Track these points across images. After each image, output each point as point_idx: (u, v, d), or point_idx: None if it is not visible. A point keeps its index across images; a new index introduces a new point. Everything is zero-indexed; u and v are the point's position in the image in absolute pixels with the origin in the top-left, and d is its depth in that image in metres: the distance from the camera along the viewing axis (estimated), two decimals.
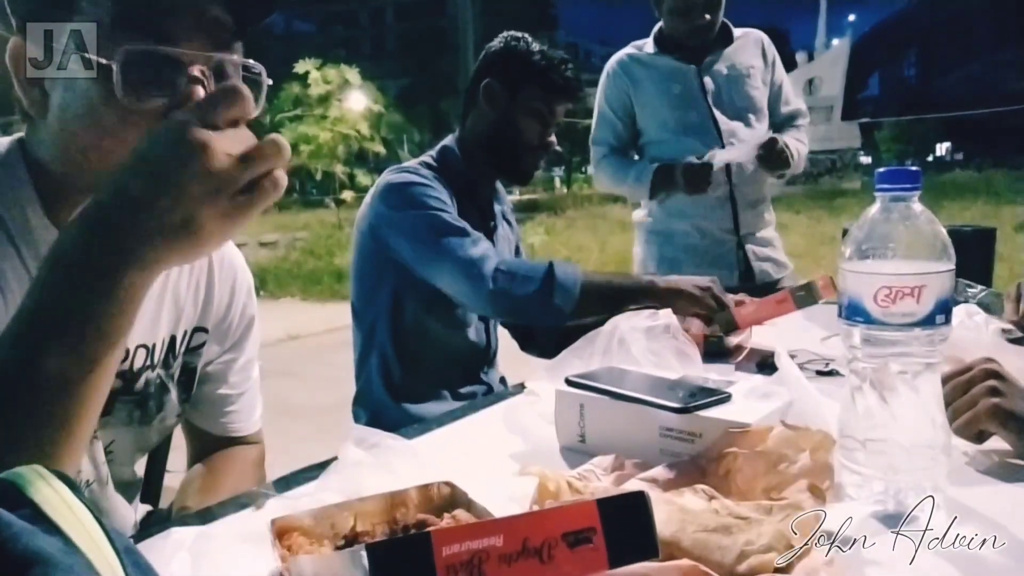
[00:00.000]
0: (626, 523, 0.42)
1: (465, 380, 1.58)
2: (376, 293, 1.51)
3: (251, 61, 0.70)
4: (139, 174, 0.55)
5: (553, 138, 1.55)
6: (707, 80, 2.10)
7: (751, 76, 2.13)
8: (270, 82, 0.73)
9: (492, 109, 1.51)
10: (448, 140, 1.59)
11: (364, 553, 0.37)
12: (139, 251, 0.54)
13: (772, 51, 2.20)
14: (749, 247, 2.13)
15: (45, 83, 0.68)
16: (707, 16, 2.03)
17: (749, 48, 2.16)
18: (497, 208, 1.64)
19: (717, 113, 2.08)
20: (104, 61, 0.63)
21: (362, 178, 17.99)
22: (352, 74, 16.70)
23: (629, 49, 2.20)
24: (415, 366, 1.51)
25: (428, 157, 1.57)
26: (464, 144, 1.56)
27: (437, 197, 1.43)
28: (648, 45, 2.17)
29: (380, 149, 18.83)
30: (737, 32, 2.16)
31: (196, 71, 0.65)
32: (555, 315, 1.34)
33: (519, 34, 1.55)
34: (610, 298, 1.33)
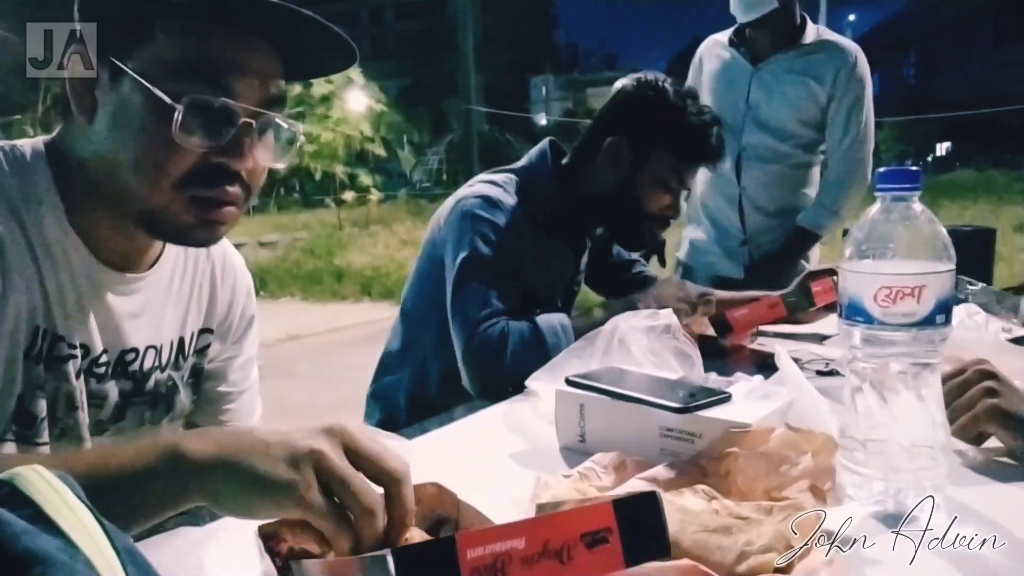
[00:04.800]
0: (640, 523, 0.43)
1: None
2: (429, 310, 1.37)
3: (291, 121, 0.77)
4: (244, 467, 0.52)
5: (682, 204, 1.37)
6: (755, 87, 2.03)
7: (802, 88, 1.98)
8: (303, 139, 0.80)
9: (614, 171, 1.34)
10: (541, 158, 1.40)
11: (390, 558, 0.37)
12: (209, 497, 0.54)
13: (850, 70, 1.95)
14: (752, 248, 2.13)
15: (96, 92, 0.70)
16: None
17: (816, 58, 1.98)
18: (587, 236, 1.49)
19: (748, 121, 2.05)
20: (169, 101, 0.67)
21: (363, 178, 18.01)
22: (354, 74, 16.71)
23: (722, 34, 2.14)
24: (452, 389, 1.31)
25: (513, 175, 1.39)
26: (571, 186, 1.38)
27: (500, 242, 1.27)
28: (728, 32, 2.12)
29: (381, 150, 18.84)
30: (812, 35, 1.98)
31: (245, 123, 0.71)
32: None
33: (658, 80, 1.34)
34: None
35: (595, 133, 1.38)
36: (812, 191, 2.11)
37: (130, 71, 0.68)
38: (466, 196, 1.33)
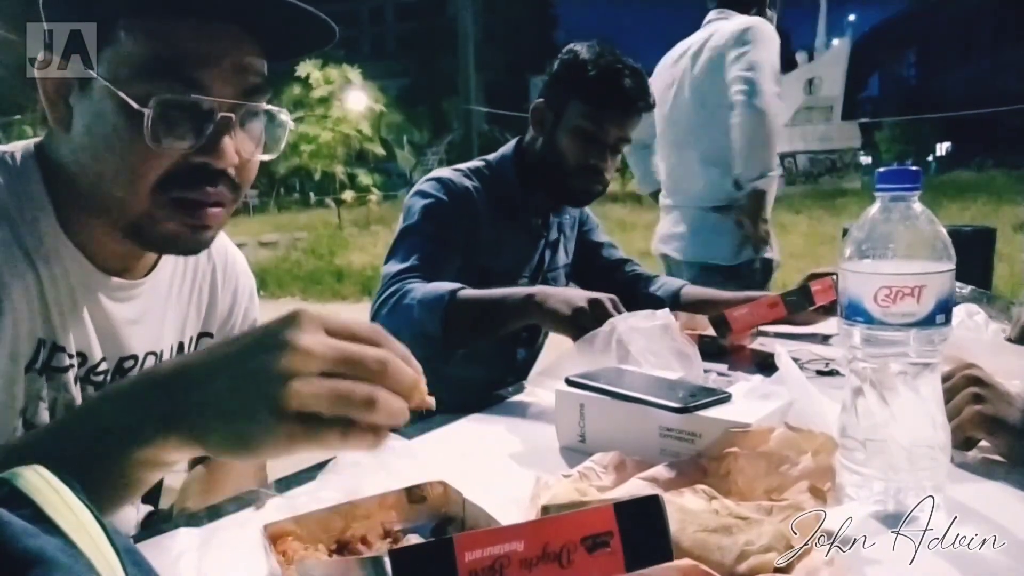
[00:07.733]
0: (642, 527, 0.43)
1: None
2: None
3: (276, 108, 0.73)
4: (217, 364, 0.52)
5: (607, 160, 1.41)
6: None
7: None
8: (292, 126, 0.76)
9: (539, 132, 1.44)
10: (509, 149, 1.51)
11: (387, 559, 0.37)
12: (174, 427, 0.50)
13: (715, 45, 2.25)
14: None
15: (70, 99, 0.68)
16: None
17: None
18: (555, 220, 1.55)
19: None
20: (136, 106, 0.64)
21: (362, 178, 18.02)
22: (353, 74, 16.72)
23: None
24: (436, 383, 1.34)
25: (482, 163, 1.49)
26: (520, 162, 1.49)
27: (441, 217, 1.34)
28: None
29: (380, 150, 18.83)
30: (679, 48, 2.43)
31: (224, 118, 0.67)
32: (423, 330, 1.19)
33: (579, 44, 1.41)
34: (483, 313, 1.18)
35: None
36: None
37: (97, 75, 0.65)
38: (423, 179, 1.45)
